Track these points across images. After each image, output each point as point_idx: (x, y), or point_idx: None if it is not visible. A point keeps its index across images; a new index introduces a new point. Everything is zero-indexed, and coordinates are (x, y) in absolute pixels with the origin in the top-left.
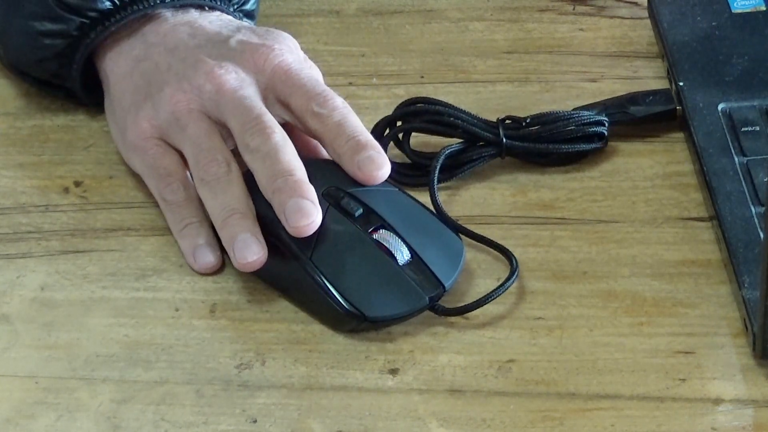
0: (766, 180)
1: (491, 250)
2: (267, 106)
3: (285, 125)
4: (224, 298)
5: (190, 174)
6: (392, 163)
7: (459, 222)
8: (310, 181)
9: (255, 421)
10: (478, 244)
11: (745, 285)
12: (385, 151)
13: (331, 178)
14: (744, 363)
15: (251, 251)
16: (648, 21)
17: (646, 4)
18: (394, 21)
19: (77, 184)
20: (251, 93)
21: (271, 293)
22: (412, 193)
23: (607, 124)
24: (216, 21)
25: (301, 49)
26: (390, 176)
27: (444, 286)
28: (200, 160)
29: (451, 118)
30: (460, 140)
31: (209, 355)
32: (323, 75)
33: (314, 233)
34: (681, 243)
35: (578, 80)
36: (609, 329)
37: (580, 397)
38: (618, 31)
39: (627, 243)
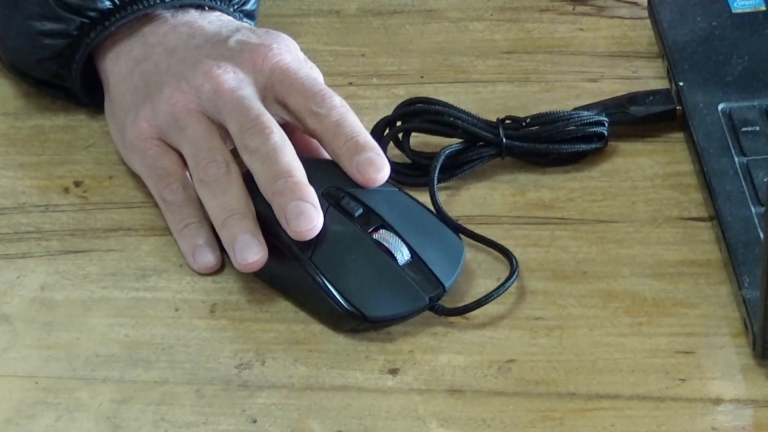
0: (766, 180)
1: (491, 250)
2: (266, 106)
3: (284, 125)
4: (224, 298)
5: (190, 174)
6: (392, 163)
7: (459, 222)
8: (310, 181)
9: (255, 421)
10: (478, 244)
11: (745, 285)
12: (385, 151)
13: (331, 177)
14: (744, 363)
15: (251, 252)
16: (648, 21)
17: (646, 4)
18: (394, 21)
19: (77, 184)
20: (250, 93)
21: (271, 293)
22: (412, 193)
23: (607, 124)
24: (216, 21)
25: (301, 49)
26: (390, 176)
27: (444, 286)
28: (199, 161)
29: (451, 118)
30: (460, 140)
31: (209, 355)
32: (323, 75)
33: None
34: (681, 243)
35: (578, 80)
36: (609, 329)
37: (580, 397)
38: (618, 31)
39: (627, 243)
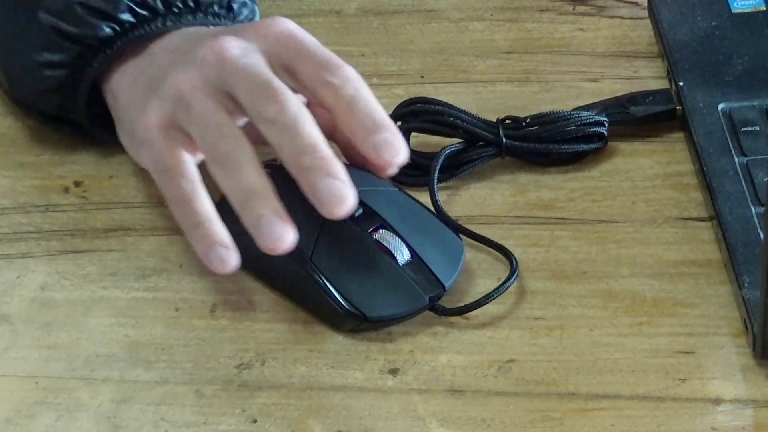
0: (766, 180)
1: (491, 250)
2: None
3: None
4: (224, 298)
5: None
6: None
7: (459, 222)
8: None
9: (255, 421)
10: (478, 244)
11: (745, 285)
12: None
13: None
14: (744, 363)
15: (278, 233)
16: (648, 21)
17: (646, 4)
18: (394, 21)
19: (77, 184)
20: (256, 59)
21: (271, 293)
22: (412, 193)
23: (607, 124)
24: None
25: None
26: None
27: (444, 286)
28: (208, 139)
29: (451, 118)
30: (460, 140)
31: (209, 355)
32: None
33: (314, 233)
34: (681, 243)
35: (578, 80)
36: (609, 329)
37: (580, 397)
38: (618, 31)
39: (627, 243)
